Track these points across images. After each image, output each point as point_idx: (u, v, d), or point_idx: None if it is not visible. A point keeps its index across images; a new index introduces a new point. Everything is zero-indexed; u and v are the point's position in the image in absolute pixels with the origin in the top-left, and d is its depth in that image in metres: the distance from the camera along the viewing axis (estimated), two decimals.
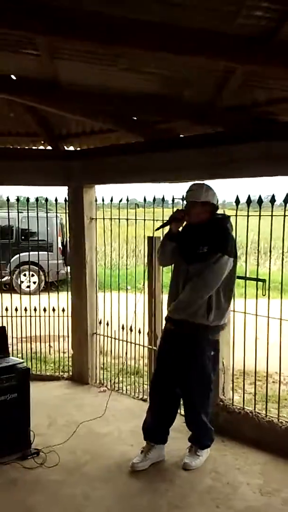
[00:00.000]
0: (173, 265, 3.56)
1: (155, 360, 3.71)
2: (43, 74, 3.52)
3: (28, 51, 3.15)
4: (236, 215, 3.71)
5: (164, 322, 3.55)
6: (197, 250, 3.25)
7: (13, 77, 3.74)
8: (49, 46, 2.98)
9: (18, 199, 5.33)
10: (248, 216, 3.65)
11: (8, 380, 3.52)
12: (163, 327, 3.62)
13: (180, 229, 3.44)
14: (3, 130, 4.99)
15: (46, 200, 5.25)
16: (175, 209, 3.61)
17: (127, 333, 4.70)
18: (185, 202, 3.46)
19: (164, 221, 3.53)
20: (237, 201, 3.68)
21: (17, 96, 3.84)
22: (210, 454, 3.52)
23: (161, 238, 3.55)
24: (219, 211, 3.44)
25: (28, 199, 5.14)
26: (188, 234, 3.40)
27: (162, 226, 3.51)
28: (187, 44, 2.53)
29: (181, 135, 4.12)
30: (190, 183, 3.48)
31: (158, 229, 3.60)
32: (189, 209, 3.35)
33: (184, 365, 3.35)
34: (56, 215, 5.99)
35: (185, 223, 3.42)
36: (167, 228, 3.46)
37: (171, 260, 3.52)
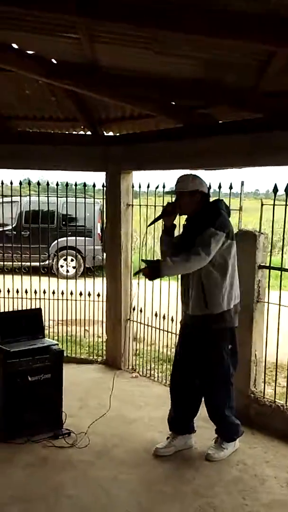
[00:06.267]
0: None
1: (175, 353, 3.67)
2: (83, 58, 3.50)
3: (67, 35, 3.14)
4: (273, 204, 3.61)
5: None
6: (195, 239, 3.16)
7: (53, 61, 3.75)
8: (87, 29, 2.95)
9: (57, 184, 5.38)
10: (286, 205, 3.53)
11: (42, 360, 3.61)
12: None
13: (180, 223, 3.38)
14: (43, 115, 5.04)
15: (85, 185, 5.26)
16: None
17: (160, 321, 4.70)
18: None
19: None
20: (275, 190, 3.56)
21: (57, 80, 3.85)
22: (239, 446, 3.49)
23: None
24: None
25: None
26: (187, 229, 3.37)
27: (154, 221, 3.48)
28: (226, 27, 2.45)
29: (219, 121, 4.03)
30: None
31: (150, 224, 3.58)
32: (178, 200, 3.32)
33: (201, 361, 3.31)
34: (95, 201, 6.01)
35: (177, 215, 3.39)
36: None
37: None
